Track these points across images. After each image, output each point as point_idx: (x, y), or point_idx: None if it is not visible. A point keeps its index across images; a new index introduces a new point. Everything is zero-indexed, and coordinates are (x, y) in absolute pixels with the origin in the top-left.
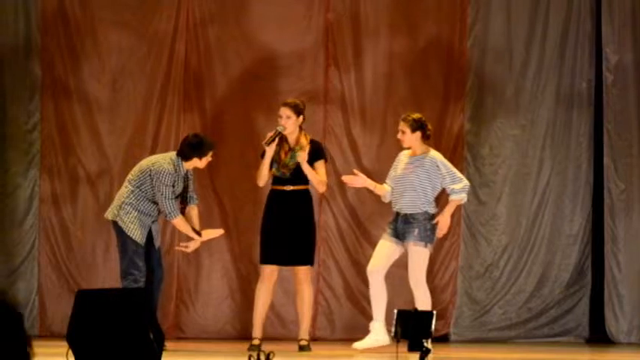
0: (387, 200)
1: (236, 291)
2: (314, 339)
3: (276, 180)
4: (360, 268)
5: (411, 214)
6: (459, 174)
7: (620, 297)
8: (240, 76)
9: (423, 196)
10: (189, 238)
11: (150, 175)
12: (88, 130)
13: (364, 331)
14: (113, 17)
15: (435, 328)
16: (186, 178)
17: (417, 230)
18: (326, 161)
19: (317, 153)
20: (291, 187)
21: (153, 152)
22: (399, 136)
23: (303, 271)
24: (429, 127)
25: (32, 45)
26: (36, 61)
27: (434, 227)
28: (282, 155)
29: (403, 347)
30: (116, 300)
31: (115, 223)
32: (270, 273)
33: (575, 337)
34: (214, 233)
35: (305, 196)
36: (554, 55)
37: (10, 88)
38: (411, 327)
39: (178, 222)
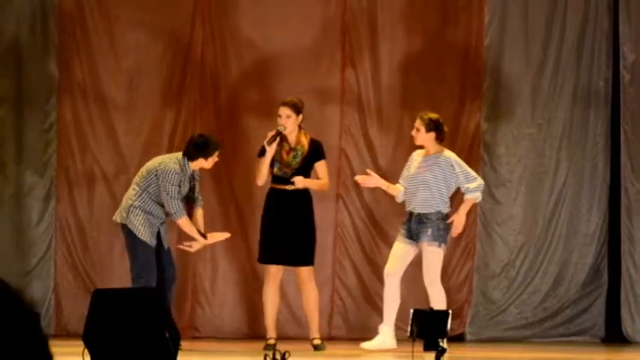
0: (400, 200)
1: (252, 291)
2: (330, 338)
3: (277, 179)
4: (375, 268)
5: (424, 214)
6: (473, 173)
7: (637, 297)
8: (256, 75)
9: (437, 196)
10: (193, 238)
11: (156, 175)
12: (105, 130)
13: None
14: (130, 16)
15: (451, 328)
16: (192, 179)
17: (430, 230)
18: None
19: (318, 153)
20: (293, 187)
21: (170, 151)
22: (413, 132)
23: (305, 272)
24: (445, 129)
25: (49, 44)
26: (53, 60)
27: (448, 227)
28: (284, 155)
29: (419, 347)
30: (132, 299)
31: (124, 226)
32: (275, 273)
33: (591, 337)
34: (220, 236)
35: (305, 196)
36: (571, 54)
37: (27, 88)
38: (426, 326)
39: (184, 222)
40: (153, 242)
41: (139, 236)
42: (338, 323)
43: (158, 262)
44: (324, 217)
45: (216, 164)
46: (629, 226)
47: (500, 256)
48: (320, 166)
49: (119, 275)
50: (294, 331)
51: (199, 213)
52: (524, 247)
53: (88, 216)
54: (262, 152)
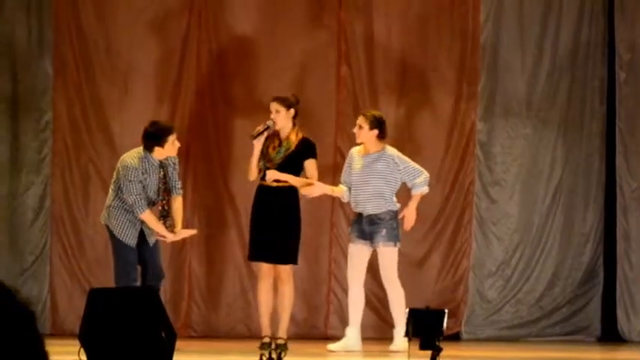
0: (346, 200)
1: (248, 290)
2: (326, 338)
3: (263, 175)
4: (371, 267)
5: (375, 215)
6: (417, 167)
7: (633, 296)
8: (253, 76)
9: (386, 195)
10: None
11: (120, 171)
12: (100, 130)
13: (376, 331)
14: (125, 17)
15: (447, 327)
16: (162, 168)
17: (384, 231)
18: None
19: (308, 151)
20: (276, 183)
21: None
22: (355, 130)
23: (284, 270)
24: (386, 128)
25: (44, 44)
26: (48, 60)
27: (399, 224)
28: (270, 150)
29: (415, 346)
30: (128, 298)
31: (107, 227)
32: (267, 271)
33: (587, 336)
34: (186, 233)
35: (290, 193)
36: (566, 53)
37: (22, 87)
38: (422, 325)
39: (146, 217)
40: (133, 242)
41: (119, 237)
42: (334, 323)
43: (141, 261)
44: (319, 216)
45: (208, 153)
46: (625, 225)
47: (496, 255)
48: (309, 165)
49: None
50: (290, 332)
51: (177, 201)
52: (519, 246)
53: (83, 215)
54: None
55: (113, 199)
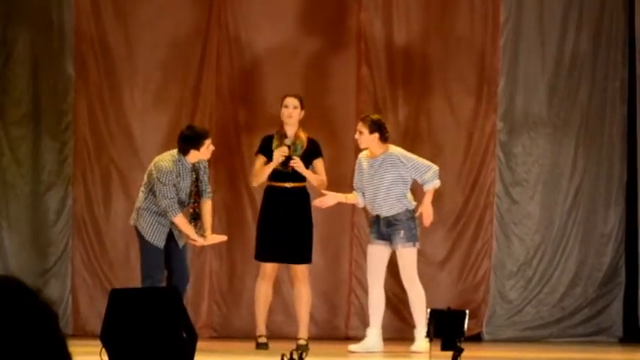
0: (361, 205)
1: None
2: (347, 338)
3: (275, 176)
4: (392, 268)
5: (392, 216)
6: (424, 162)
7: None
8: (273, 77)
9: (399, 195)
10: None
11: (153, 174)
12: (121, 131)
13: (397, 331)
14: (146, 18)
15: (468, 328)
16: (194, 172)
17: (402, 232)
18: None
19: (315, 151)
20: (292, 184)
21: None
22: (356, 136)
23: (302, 270)
24: (387, 129)
25: (66, 46)
26: (69, 61)
27: (417, 224)
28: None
29: (436, 347)
30: (149, 299)
31: (135, 228)
32: (271, 271)
33: (609, 337)
34: (218, 239)
35: (304, 194)
36: (587, 53)
37: (44, 89)
38: (444, 326)
39: (178, 220)
40: (161, 244)
41: (147, 238)
42: (355, 324)
43: (167, 264)
44: (340, 217)
45: (229, 155)
46: None
47: (517, 255)
48: (318, 164)
49: (136, 275)
50: (311, 332)
51: (207, 205)
52: (541, 247)
53: (104, 216)
54: (261, 150)
55: (143, 201)
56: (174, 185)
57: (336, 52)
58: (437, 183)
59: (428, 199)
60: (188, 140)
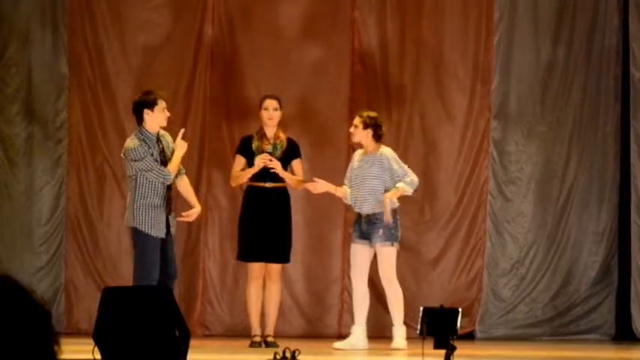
0: (348, 202)
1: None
2: (339, 336)
3: (256, 177)
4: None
5: (373, 215)
6: (409, 171)
7: None
8: (266, 77)
9: (381, 195)
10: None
11: (127, 159)
12: (115, 129)
13: (390, 330)
14: (139, 16)
15: (461, 326)
16: (159, 142)
17: (381, 230)
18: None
19: (294, 152)
20: (272, 185)
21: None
22: (351, 129)
23: (277, 269)
24: (383, 129)
25: (59, 43)
26: (63, 60)
27: (398, 225)
28: (265, 148)
29: (429, 345)
30: (142, 297)
31: (132, 229)
32: (259, 270)
33: (602, 335)
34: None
35: (284, 194)
36: (580, 51)
37: (38, 87)
38: (436, 324)
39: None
40: (162, 233)
41: (148, 232)
42: (347, 322)
43: (164, 255)
44: (332, 215)
45: (222, 156)
46: (639, 224)
47: (510, 253)
48: (296, 165)
49: (129, 273)
50: (304, 330)
51: (184, 181)
52: (534, 245)
53: (98, 214)
54: (240, 150)
55: (134, 197)
56: (151, 155)
57: (330, 51)
58: (409, 190)
59: (392, 193)
60: (140, 103)
